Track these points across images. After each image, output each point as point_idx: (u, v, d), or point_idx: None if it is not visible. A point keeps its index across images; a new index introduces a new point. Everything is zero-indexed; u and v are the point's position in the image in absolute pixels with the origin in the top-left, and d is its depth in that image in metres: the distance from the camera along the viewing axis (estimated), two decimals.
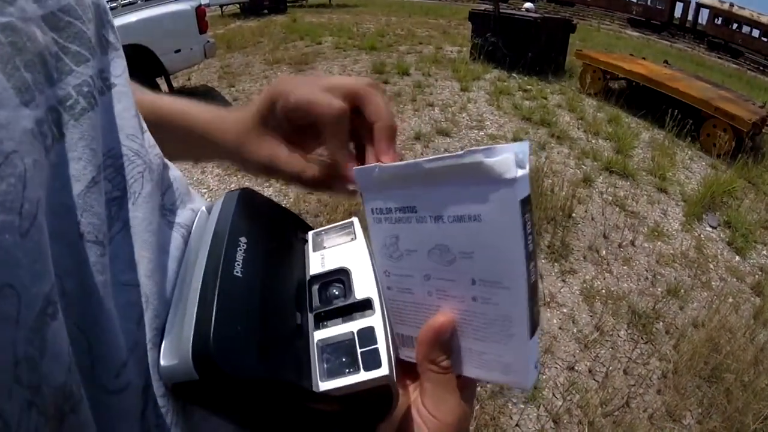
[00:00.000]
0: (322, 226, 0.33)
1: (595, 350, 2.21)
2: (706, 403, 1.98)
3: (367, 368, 0.24)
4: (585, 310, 2.45)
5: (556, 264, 2.74)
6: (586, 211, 3.28)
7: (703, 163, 4.37)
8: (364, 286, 0.27)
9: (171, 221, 0.27)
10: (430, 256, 0.26)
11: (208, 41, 4.92)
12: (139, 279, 0.22)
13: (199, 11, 4.68)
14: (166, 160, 0.29)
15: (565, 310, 2.43)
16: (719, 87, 5.41)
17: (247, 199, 0.29)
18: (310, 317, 0.27)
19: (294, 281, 0.28)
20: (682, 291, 2.63)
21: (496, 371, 0.26)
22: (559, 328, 2.31)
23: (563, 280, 2.64)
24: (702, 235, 3.23)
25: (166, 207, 0.27)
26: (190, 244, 0.27)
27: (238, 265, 0.24)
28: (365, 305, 0.27)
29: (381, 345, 0.24)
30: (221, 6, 12.98)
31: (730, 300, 2.62)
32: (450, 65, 6.31)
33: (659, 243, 3.05)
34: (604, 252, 2.90)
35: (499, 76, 6.00)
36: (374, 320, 0.26)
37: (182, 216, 0.28)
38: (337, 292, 0.28)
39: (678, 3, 15.79)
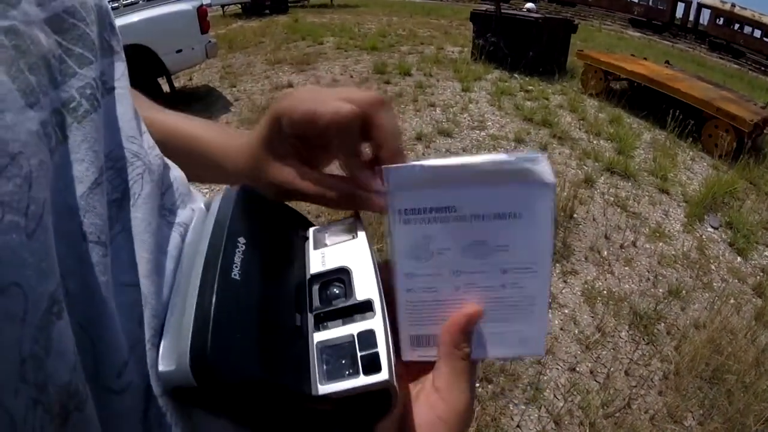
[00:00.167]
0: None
1: (596, 351, 2.20)
2: (708, 405, 1.97)
3: (366, 372, 0.23)
4: (586, 311, 2.44)
5: (557, 265, 2.74)
6: (587, 212, 3.28)
7: (705, 164, 4.36)
8: (365, 287, 0.27)
9: (171, 222, 0.27)
10: (465, 252, 0.28)
11: (210, 41, 4.92)
12: (138, 279, 0.22)
13: (201, 11, 4.68)
14: (167, 161, 0.29)
15: (566, 311, 2.43)
16: (721, 87, 5.40)
17: (246, 197, 0.28)
18: (310, 318, 0.27)
19: (293, 280, 0.28)
20: (684, 292, 2.63)
21: (514, 347, 0.30)
22: (561, 329, 2.31)
23: (565, 281, 2.64)
24: (703, 236, 3.23)
25: (166, 207, 0.27)
26: (187, 242, 0.27)
27: (236, 267, 0.24)
28: (366, 307, 0.26)
29: (381, 349, 0.24)
30: (223, 6, 12.99)
31: (732, 301, 2.62)
32: (451, 65, 6.31)
33: (661, 244, 3.05)
34: (605, 253, 2.90)
35: (500, 77, 6.00)
36: (375, 323, 0.25)
37: (182, 216, 0.28)
38: (337, 292, 0.28)
39: (679, 3, 15.77)
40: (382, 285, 0.28)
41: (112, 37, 0.27)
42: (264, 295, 0.25)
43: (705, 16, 15.58)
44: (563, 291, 2.57)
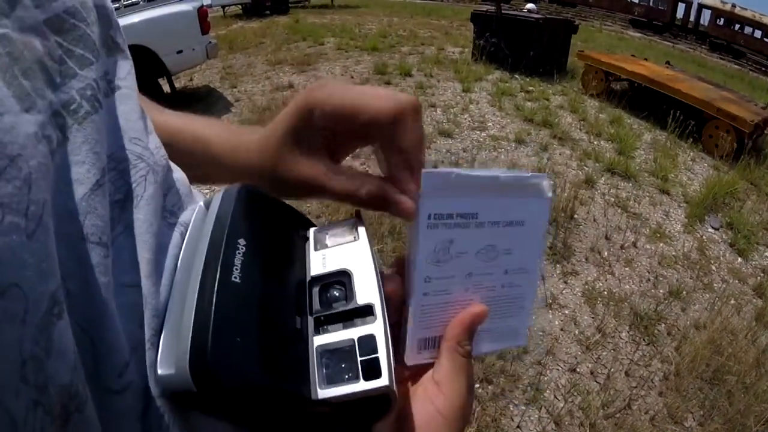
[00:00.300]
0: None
1: (596, 352, 2.20)
2: (708, 405, 1.97)
3: (367, 377, 0.23)
4: (587, 312, 2.44)
5: (558, 265, 2.74)
6: (588, 213, 3.27)
7: (705, 165, 4.36)
8: (366, 290, 0.27)
9: (172, 222, 0.27)
10: (478, 255, 0.31)
11: (210, 42, 4.93)
12: (140, 280, 0.22)
13: (201, 12, 4.69)
14: (170, 162, 0.29)
15: (566, 312, 2.43)
16: (721, 88, 5.40)
17: (246, 196, 0.28)
18: (310, 320, 0.26)
19: (294, 282, 0.28)
20: (684, 293, 2.63)
21: (505, 340, 0.34)
22: (561, 330, 2.30)
23: (565, 282, 2.64)
24: (704, 237, 3.22)
25: (167, 209, 0.27)
26: (187, 242, 0.26)
27: (237, 269, 0.23)
28: (366, 311, 0.26)
29: (381, 354, 0.24)
30: (223, 7, 12.99)
31: (732, 302, 2.61)
32: (452, 66, 6.31)
33: (661, 244, 3.04)
34: (606, 253, 2.90)
35: (501, 77, 6.00)
36: (375, 328, 0.25)
37: (183, 216, 0.28)
38: (337, 295, 0.27)
39: (680, 4, 15.77)
40: (384, 289, 0.27)
41: (118, 36, 0.27)
42: (264, 297, 0.24)
43: (705, 16, 15.60)
44: (564, 292, 2.56)
